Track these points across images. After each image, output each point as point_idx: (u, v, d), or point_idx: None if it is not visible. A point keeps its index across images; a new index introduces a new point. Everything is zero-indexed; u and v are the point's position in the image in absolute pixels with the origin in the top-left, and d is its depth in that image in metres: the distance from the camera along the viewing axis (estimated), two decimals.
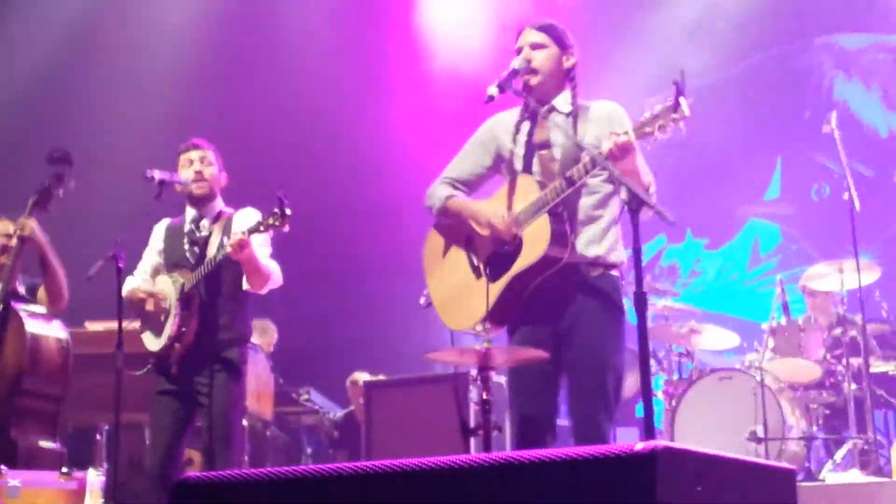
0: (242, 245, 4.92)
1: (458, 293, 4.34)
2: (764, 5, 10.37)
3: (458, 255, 4.39)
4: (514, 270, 4.13)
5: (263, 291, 5.29)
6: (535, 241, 4.08)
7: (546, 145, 4.29)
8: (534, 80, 4.29)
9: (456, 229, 4.41)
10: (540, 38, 4.35)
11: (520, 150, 4.35)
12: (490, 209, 4.26)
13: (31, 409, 5.83)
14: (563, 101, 4.35)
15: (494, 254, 4.25)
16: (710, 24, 10.48)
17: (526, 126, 4.38)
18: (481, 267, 4.27)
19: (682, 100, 3.74)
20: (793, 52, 10.62)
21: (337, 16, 11.19)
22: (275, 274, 5.25)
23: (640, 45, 10.44)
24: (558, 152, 4.25)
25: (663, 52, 10.35)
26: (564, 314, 4.17)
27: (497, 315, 4.18)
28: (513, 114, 4.45)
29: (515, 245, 4.15)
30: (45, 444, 5.87)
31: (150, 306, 5.23)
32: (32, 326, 5.84)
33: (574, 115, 4.30)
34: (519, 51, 4.36)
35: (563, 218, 4.13)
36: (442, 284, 4.43)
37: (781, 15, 10.36)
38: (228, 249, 4.93)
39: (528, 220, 4.12)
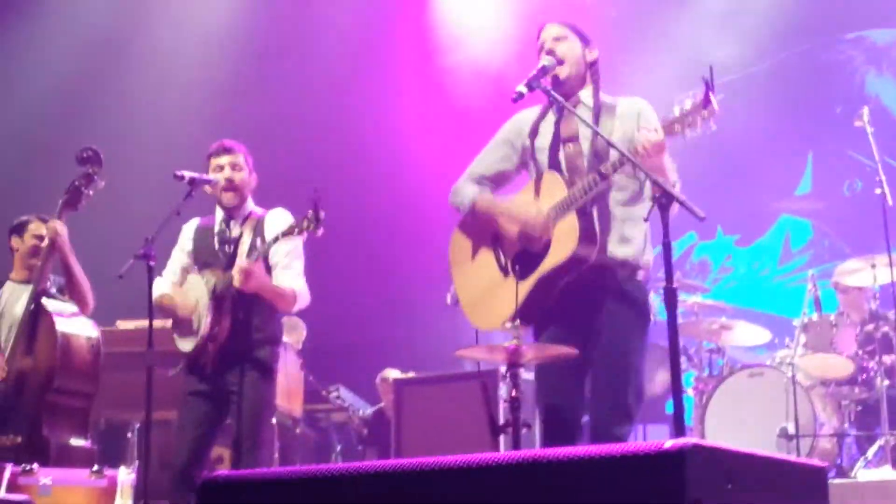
0: (247, 274, 4.93)
1: (485, 292, 4.33)
2: (793, 1, 10.30)
3: (485, 253, 4.38)
4: (543, 269, 4.12)
5: (292, 311, 5.30)
6: (565, 240, 4.07)
7: (573, 139, 4.28)
8: (563, 72, 4.29)
9: (482, 228, 4.39)
10: (561, 31, 4.37)
11: (545, 145, 4.34)
12: (522, 205, 4.24)
13: (62, 406, 5.88)
14: (587, 96, 4.35)
15: (522, 252, 4.24)
16: (738, 20, 10.41)
17: (551, 119, 4.37)
18: (509, 265, 4.25)
19: (711, 96, 3.72)
20: (823, 46, 10.54)
21: (364, 15, 11.20)
22: (301, 295, 5.24)
23: (667, 40, 10.39)
24: (586, 146, 4.23)
25: (691, 47, 10.29)
26: (591, 315, 4.16)
27: (525, 314, 4.17)
28: (537, 110, 4.44)
29: (543, 244, 4.14)
30: (77, 441, 5.91)
31: (180, 311, 5.25)
32: (63, 325, 5.88)
33: (599, 110, 4.28)
34: (541, 48, 4.36)
35: (592, 216, 4.11)
36: (469, 283, 4.42)
37: (811, 10, 10.27)
38: (234, 283, 4.94)
39: (557, 217, 4.11)
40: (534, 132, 4.39)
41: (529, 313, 4.20)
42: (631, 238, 4.20)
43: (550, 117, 4.38)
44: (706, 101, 3.73)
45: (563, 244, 4.07)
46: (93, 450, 5.99)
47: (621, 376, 4.11)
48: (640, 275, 4.24)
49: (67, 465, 5.67)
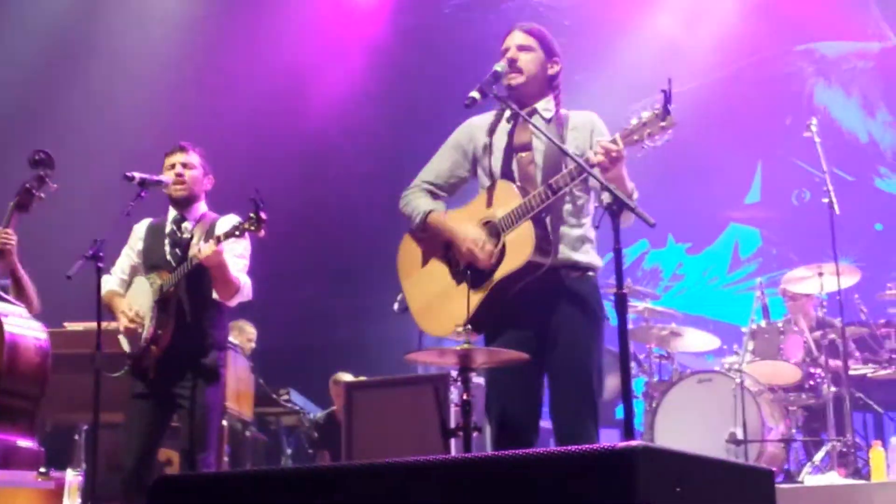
0: (216, 253, 4.92)
1: (437, 299, 4.32)
2: (745, 13, 10.43)
3: (438, 260, 4.36)
4: (498, 276, 4.13)
5: (232, 304, 5.27)
6: (519, 248, 4.08)
7: (527, 148, 4.28)
8: (516, 80, 4.28)
9: (434, 237, 4.37)
10: (527, 40, 4.34)
11: (498, 152, 4.33)
12: (468, 234, 4.20)
13: (8, 408, 5.79)
14: (544, 107, 4.34)
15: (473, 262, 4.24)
16: (690, 31, 10.52)
17: (505, 128, 4.36)
18: (463, 272, 4.25)
19: (669, 107, 3.75)
20: (773, 58, 10.68)
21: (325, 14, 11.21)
22: (245, 287, 5.23)
23: (621, 53, 10.48)
24: (539, 156, 4.25)
25: (645, 59, 10.40)
26: (546, 317, 4.17)
27: (478, 321, 4.17)
28: (489, 116, 4.42)
29: (498, 250, 4.15)
30: (24, 443, 5.84)
31: (124, 322, 5.21)
32: (11, 326, 5.81)
33: (556, 121, 4.30)
34: (505, 51, 4.35)
35: (546, 223, 4.13)
36: (420, 290, 4.41)
37: (762, 22, 10.41)
38: (201, 255, 4.91)
39: (510, 225, 4.12)
40: (485, 137, 4.38)
41: (482, 320, 4.20)
42: (582, 242, 4.23)
43: (504, 125, 4.37)
44: (665, 112, 3.77)
45: (518, 252, 4.08)
46: (40, 451, 5.91)
47: (583, 377, 4.12)
48: (592, 275, 4.27)
49: (14, 466, 5.59)
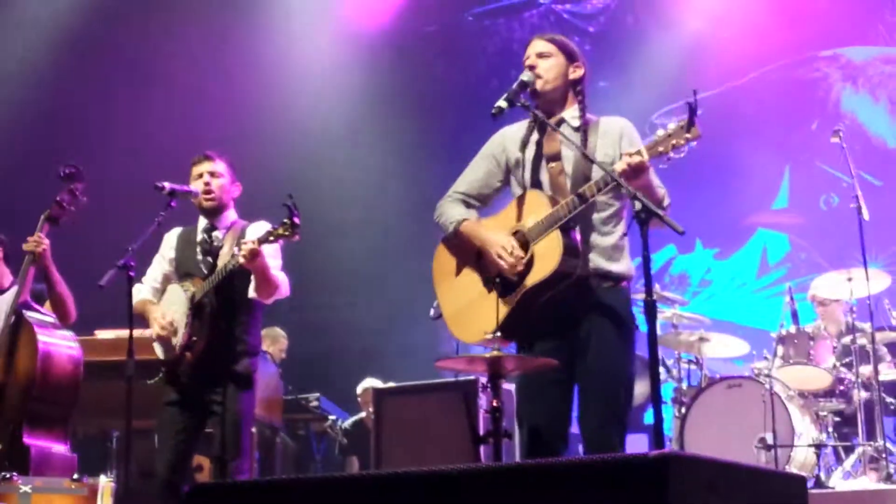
0: (254, 254, 4.94)
1: (469, 306, 4.34)
2: (771, 18, 10.40)
3: (470, 268, 4.38)
4: (527, 285, 4.14)
5: (269, 301, 5.30)
6: (547, 257, 4.09)
7: (556, 157, 4.29)
8: (538, 84, 4.29)
9: (467, 245, 4.39)
10: (547, 47, 4.35)
11: (529, 163, 4.34)
12: (498, 241, 4.23)
13: (42, 414, 5.87)
14: (571, 115, 4.35)
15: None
16: (715, 36, 10.50)
17: (535, 138, 4.37)
18: (493, 281, 4.26)
19: (695, 120, 3.77)
20: (800, 63, 10.64)
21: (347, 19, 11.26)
22: (283, 285, 5.26)
23: (646, 59, 10.47)
24: (568, 165, 4.26)
25: (670, 66, 10.39)
26: (577, 327, 4.18)
27: (508, 329, 4.19)
28: (521, 127, 4.44)
29: (527, 260, 4.16)
30: (57, 448, 5.91)
31: (157, 329, 5.25)
32: (44, 336, 5.88)
33: (584, 128, 4.30)
34: (525, 59, 4.37)
35: (575, 233, 4.15)
36: (453, 297, 4.43)
37: (788, 28, 10.38)
38: (241, 260, 4.94)
39: (539, 235, 4.14)
40: (517, 148, 4.39)
41: (512, 329, 4.22)
42: (613, 253, 4.23)
43: (535, 135, 4.38)
44: (690, 124, 3.78)
45: (547, 261, 4.09)
46: (73, 458, 5.97)
47: (613, 386, 4.13)
48: (624, 285, 4.28)
49: (49, 472, 5.66)
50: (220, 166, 5.39)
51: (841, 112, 10.28)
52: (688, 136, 3.79)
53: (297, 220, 4.80)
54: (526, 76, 4.27)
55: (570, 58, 4.37)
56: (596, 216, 4.22)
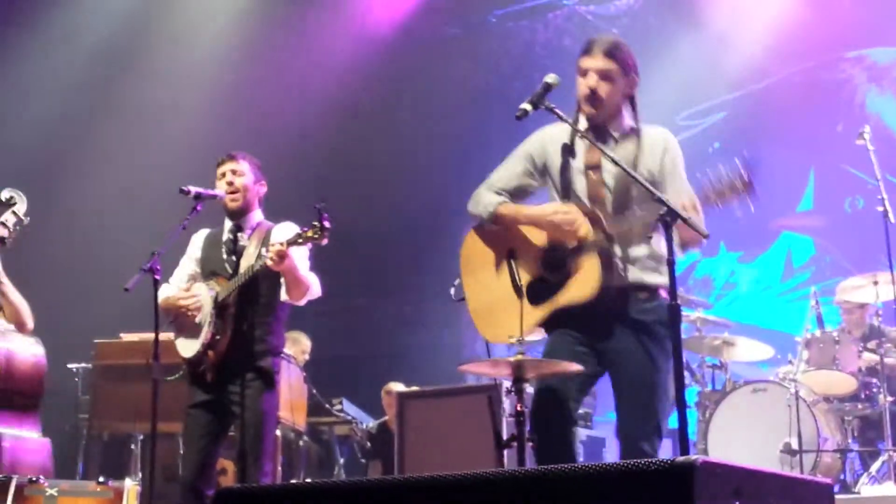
0: (282, 256, 4.95)
1: (497, 306, 4.30)
2: (794, 19, 10.35)
3: (501, 267, 4.33)
4: (560, 303, 4.12)
5: (302, 303, 5.31)
6: (586, 278, 4.06)
7: (596, 167, 4.21)
8: (598, 112, 4.19)
9: (499, 239, 4.35)
10: (609, 66, 4.19)
11: (570, 170, 4.25)
12: (551, 207, 4.18)
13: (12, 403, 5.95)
14: (616, 125, 4.26)
15: (540, 279, 4.22)
16: (739, 38, 10.47)
17: (579, 145, 4.26)
18: (524, 288, 4.23)
19: (755, 185, 3.78)
20: (825, 65, 10.59)
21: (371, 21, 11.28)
22: (314, 286, 5.27)
23: (670, 61, 10.44)
24: (609, 178, 4.18)
25: (695, 67, 10.36)
26: (610, 334, 4.15)
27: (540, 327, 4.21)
28: (563, 129, 4.28)
29: (562, 276, 4.13)
30: (30, 433, 5.99)
31: (182, 302, 5.27)
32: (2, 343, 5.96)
33: (631, 136, 4.23)
34: (583, 73, 4.21)
35: (613, 252, 4.11)
36: (480, 291, 4.38)
37: (812, 29, 10.33)
38: (268, 262, 4.96)
39: (578, 252, 4.09)
40: (558, 152, 4.29)
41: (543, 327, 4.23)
42: (649, 261, 4.18)
43: (580, 142, 4.26)
44: (751, 186, 3.80)
45: (585, 282, 4.06)
46: (45, 441, 6.01)
47: (652, 396, 4.09)
48: (662, 294, 4.22)
49: (22, 455, 5.75)
50: (243, 166, 5.40)
51: (866, 113, 10.22)
52: (745, 193, 3.83)
53: (326, 224, 4.82)
54: (552, 78, 4.11)
55: (628, 71, 4.24)
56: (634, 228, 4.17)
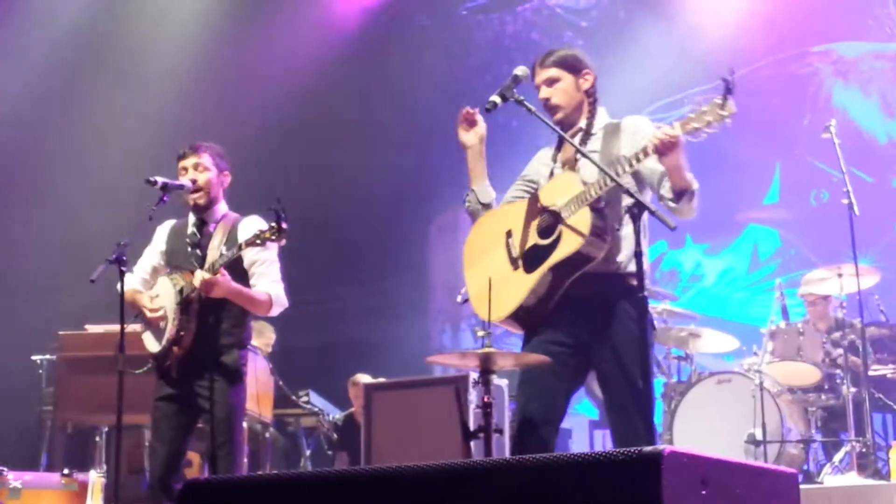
0: (209, 284, 4.95)
1: (493, 284, 4.31)
2: (762, 13, 10.41)
3: (498, 248, 4.36)
4: (552, 261, 4.12)
5: (272, 314, 5.31)
6: (575, 233, 4.07)
7: (571, 164, 4.31)
8: (559, 116, 4.34)
9: (497, 224, 4.40)
10: (552, 73, 4.36)
11: (547, 171, 4.41)
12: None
13: None
14: (587, 123, 4.38)
15: (533, 247, 4.23)
16: (708, 32, 10.51)
17: (552, 151, 4.46)
18: (520, 259, 4.24)
19: (730, 97, 3.77)
20: (791, 59, 10.66)
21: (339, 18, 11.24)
22: (278, 298, 5.22)
23: (637, 55, 10.47)
24: (584, 171, 4.21)
25: (662, 60, 10.40)
26: (595, 324, 4.16)
27: (526, 310, 4.19)
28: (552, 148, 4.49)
29: (555, 237, 4.14)
30: None
31: (147, 314, 5.24)
32: None
33: (603, 133, 4.31)
34: (537, 89, 4.39)
35: (605, 215, 4.11)
36: (478, 276, 4.39)
37: (779, 23, 10.40)
38: (199, 286, 4.95)
39: (570, 214, 4.11)
40: (546, 168, 4.42)
41: (531, 309, 4.21)
42: (637, 254, 4.20)
43: (553, 150, 4.45)
44: (725, 101, 3.80)
45: (574, 238, 4.07)
46: None
47: (640, 396, 4.07)
48: (646, 284, 4.22)
49: None
50: (205, 159, 5.34)
51: (832, 107, 10.30)
52: (723, 112, 3.79)
53: (284, 225, 4.81)
54: (519, 70, 4.27)
55: (577, 71, 4.38)
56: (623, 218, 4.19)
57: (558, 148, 4.42)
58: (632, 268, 4.09)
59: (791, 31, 10.45)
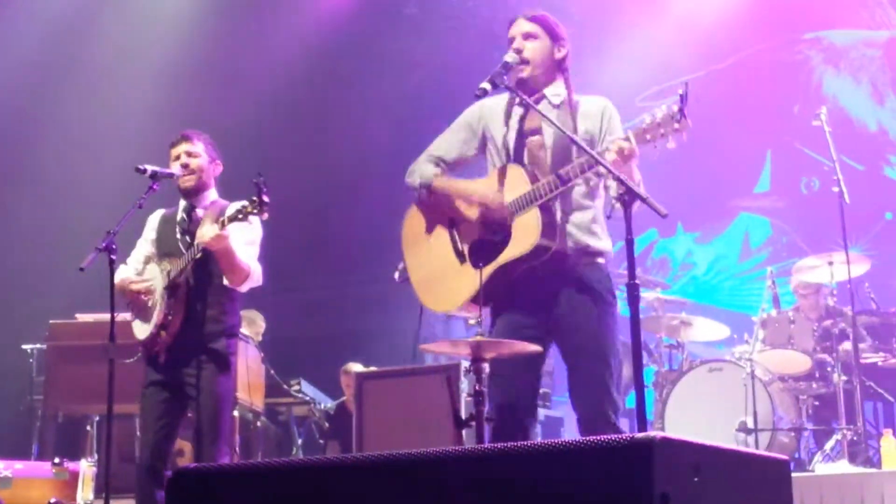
0: (219, 238, 4.93)
1: (439, 274, 4.35)
2: (753, 1, 10.41)
3: (441, 235, 4.38)
4: (503, 259, 4.15)
5: (243, 289, 5.27)
6: (526, 232, 4.10)
7: (536, 132, 4.30)
8: (525, 72, 4.29)
9: (439, 209, 4.40)
10: (532, 28, 4.35)
11: (510, 136, 4.35)
12: (482, 188, 4.27)
13: None
14: (553, 92, 4.35)
15: (480, 240, 4.26)
16: (697, 20, 10.50)
17: (517, 112, 4.37)
18: (466, 251, 4.27)
19: (685, 110, 3.74)
20: (782, 46, 10.66)
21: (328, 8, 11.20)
22: (255, 273, 5.23)
23: (628, 42, 10.46)
24: (549, 140, 4.26)
25: (652, 48, 10.38)
26: (554, 302, 4.19)
27: (482, 299, 4.21)
28: (501, 99, 4.43)
29: (504, 234, 4.16)
30: None
31: (134, 287, 5.23)
32: None
33: (566, 106, 4.30)
34: (511, 41, 4.35)
35: (554, 209, 4.15)
36: (422, 263, 4.43)
37: (770, 10, 10.40)
38: (205, 238, 4.93)
39: (518, 210, 4.13)
40: (498, 119, 4.39)
41: (486, 298, 4.23)
42: (591, 227, 4.24)
43: (517, 108, 4.38)
44: (681, 115, 3.75)
45: (525, 236, 4.10)
46: None
47: (602, 363, 4.14)
48: (602, 260, 4.27)
49: None
50: (198, 146, 5.35)
51: (822, 95, 10.31)
52: (677, 126, 3.77)
53: (265, 198, 4.79)
54: (509, 57, 4.27)
55: (555, 38, 4.37)
56: (575, 191, 4.22)
57: (524, 110, 4.34)
58: (583, 239, 4.17)
59: (782, 19, 10.45)
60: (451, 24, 11.66)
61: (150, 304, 5.21)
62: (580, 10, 10.57)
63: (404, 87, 11.16)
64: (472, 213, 4.29)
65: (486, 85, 4.12)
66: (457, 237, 4.33)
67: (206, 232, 4.94)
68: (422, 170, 4.46)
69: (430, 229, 4.43)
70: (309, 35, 11.08)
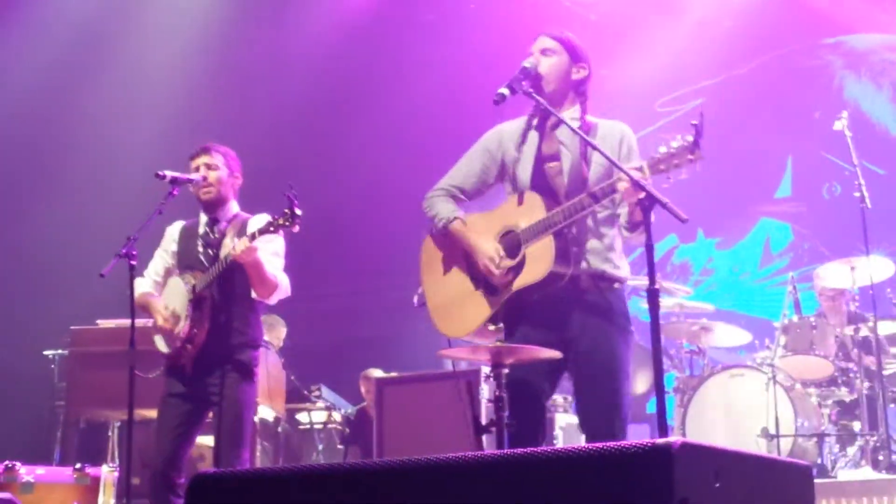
0: (250, 251, 4.93)
1: (454, 300, 4.36)
2: (773, 6, 10.37)
3: (458, 262, 4.39)
4: (515, 287, 4.15)
5: (272, 301, 5.29)
6: (539, 260, 4.09)
7: (554, 157, 4.26)
8: (542, 86, 4.25)
9: (455, 243, 4.39)
10: (551, 44, 4.32)
11: (526, 161, 4.30)
12: (487, 251, 4.21)
13: None
14: (570, 116, 4.29)
15: None
16: (717, 25, 10.48)
17: (533, 137, 4.33)
18: (481, 278, 4.26)
19: (700, 141, 3.73)
20: (802, 51, 10.62)
21: (347, 15, 11.22)
22: (282, 284, 5.24)
23: (647, 48, 10.44)
24: (567, 165, 4.23)
25: (671, 54, 10.36)
26: (569, 324, 4.17)
27: (495, 319, 4.23)
28: (519, 123, 4.40)
29: (519, 258, 4.15)
30: None
31: (160, 322, 5.24)
32: None
33: (583, 130, 4.25)
34: (532, 49, 4.34)
35: (568, 237, 4.13)
36: (438, 289, 4.44)
37: (790, 15, 10.36)
38: (236, 251, 4.93)
39: (532, 238, 4.12)
40: (514, 144, 4.35)
41: (500, 318, 4.24)
42: (608, 252, 4.21)
43: (533, 133, 4.34)
44: (695, 146, 3.73)
45: (537, 265, 4.09)
46: None
47: (612, 393, 4.11)
48: (619, 287, 4.26)
49: None
50: (217, 159, 5.35)
51: (844, 100, 10.26)
52: (691, 157, 3.75)
53: (297, 211, 4.80)
54: (528, 62, 4.25)
55: (575, 58, 4.33)
56: (589, 218, 4.18)
57: (540, 134, 4.32)
58: (602, 265, 4.14)
59: (802, 24, 10.41)
60: (470, 32, 11.66)
61: (172, 321, 5.22)
62: (599, 15, 10.58)
63: (427, 94, 11.15)
64: (495, 230, 4.27)
65: (503, 90, 4.11)
66: (472, 264, 4.31)
67: (237, 245, 4.94)
68: (438, 207, 4.42)
69: (447, 257, 4.44)
70: (330, 42, 11.10)
